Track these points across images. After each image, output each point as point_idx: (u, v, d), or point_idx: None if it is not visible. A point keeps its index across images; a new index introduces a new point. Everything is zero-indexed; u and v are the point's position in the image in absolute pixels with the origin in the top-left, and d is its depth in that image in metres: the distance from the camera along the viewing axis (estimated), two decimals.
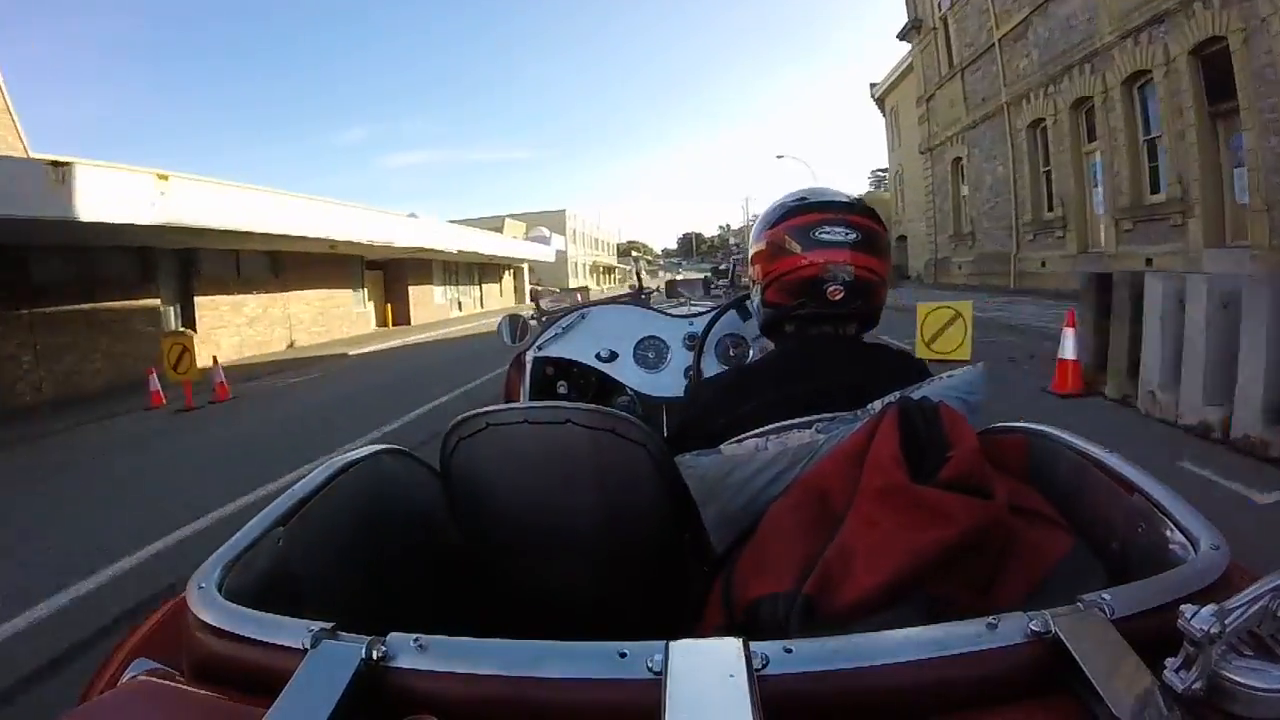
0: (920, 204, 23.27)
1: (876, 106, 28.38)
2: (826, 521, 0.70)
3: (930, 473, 0.67)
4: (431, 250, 20.65)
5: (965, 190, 18.70)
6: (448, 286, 27.05)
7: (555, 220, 46.06)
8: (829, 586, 0.64)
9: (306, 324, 16.94)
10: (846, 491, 0.70)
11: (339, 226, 14.53)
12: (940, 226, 20.94)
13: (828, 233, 0.99)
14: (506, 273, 34.32)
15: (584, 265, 52.40)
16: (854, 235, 0.98)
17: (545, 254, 35.13)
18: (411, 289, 22.83)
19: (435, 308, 24.78)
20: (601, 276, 58.77)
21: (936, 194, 20.95)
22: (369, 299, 20.82)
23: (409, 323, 22.18)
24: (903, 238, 26.61)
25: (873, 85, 28.21)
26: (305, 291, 16.85)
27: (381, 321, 21.75)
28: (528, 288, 36.37)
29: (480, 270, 30.30)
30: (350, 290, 19.22)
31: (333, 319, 18.09)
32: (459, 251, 21.70)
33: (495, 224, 36.20)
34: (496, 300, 32.46)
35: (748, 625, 0.67)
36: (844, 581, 0.63)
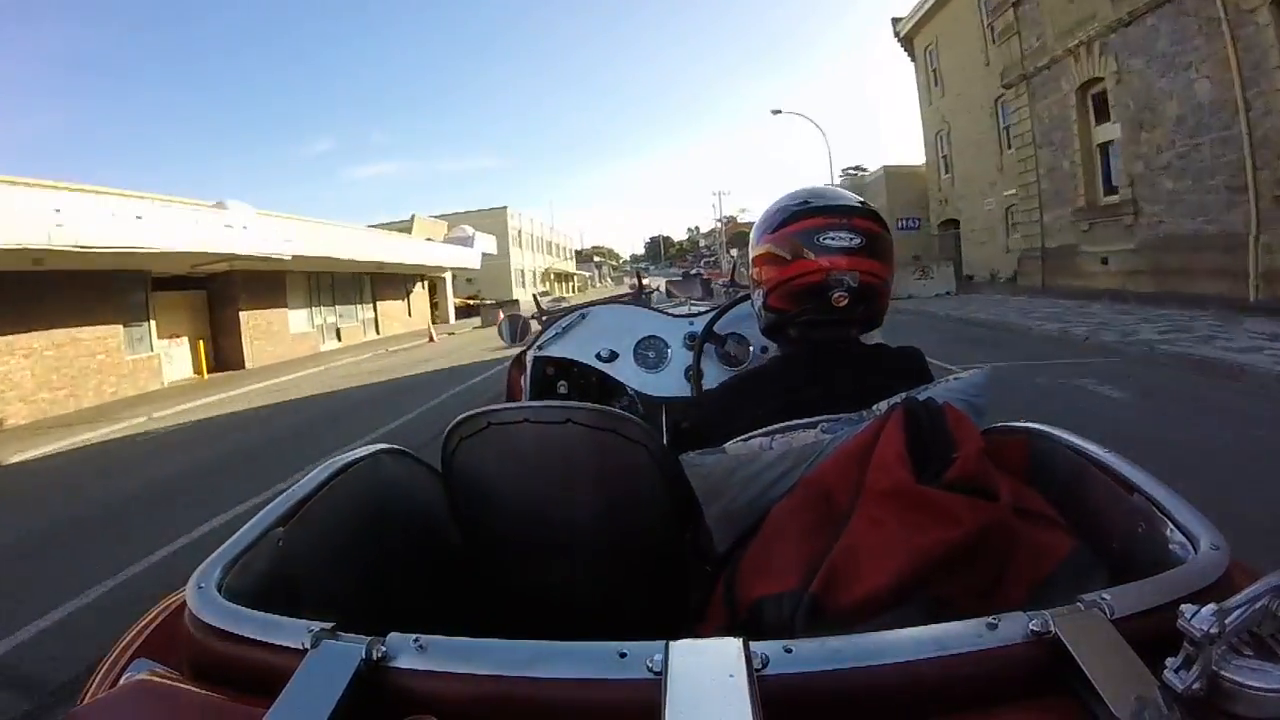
0: (987, 169, 18.77)
1: (903, 49, 24.21)
2: (831, 521, 0.82)
3: (935, 474, 0.80)
4: (265, 258, 16.24)
5: (1116, 132, 13.32)
6: (317, 308, 22.13)
7: (494, 220, 45.62)
8: (835, 586, 0.75)
9: (29, 388, 12.45)
10: (851, 491, 0.83)
11: (38, 227, 9.84)
12: (1051, 197, 15.84)
13: (833, 238, 1.10)
14: (419, 285, 29.85)
15: (534, 272, 53.79)
16: (858, 240, 1.11)
17: (467, 259, 30.78)
18: (246, 315, 18.42)
19: (293, 340, 20.52)
20: (555, 284, 60.94)
21: (1044, 144, 15.91)
22: (160, 335, 15.91)
23: (243, 365, 17.72)
24: (951, 223, 19.99)
25: (896, 21, 24.16)
26: (25, 335, 12.31)
27: (198, 366, 17.13)
28: (450, 303, 29.11)
29: (374, 283, 25.66)
30: (119, 325, 14.61)
31: (84, 374, 13.56)
32: (294, 257, 16.85)
33: (407, 227, 31.86)
34: (401, 323, 27.74)
35: (751, 625, 0.78)
36: (850, 581, 0.74)
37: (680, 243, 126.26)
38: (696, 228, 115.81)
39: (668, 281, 3.73)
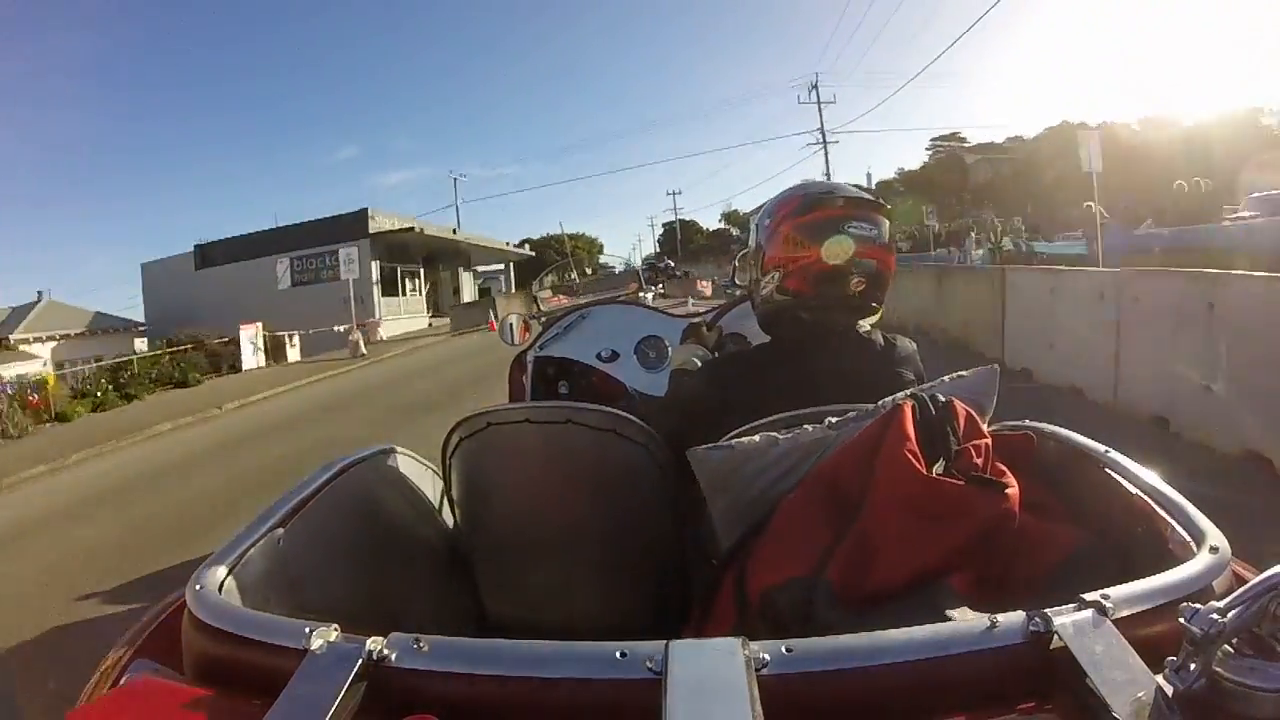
0: None
1: None
2: (842, 512, 0.88)
3: (945, 466, 0.87)
4: None
5: None
6: None
7: None
8: (850, 573, 0.81)
9: None
10: (861, 483, 0.89)
11: None
12: None
13: (856, 227, 1.27)
14: None
15: None
16: (876, 231, 1.28)
17: None
18: None
19: None
20: None
21: None
22: None
23: None
24: None
25: None
26: None
27: None
28: None
29: None
30: None
31: None
32: None
33: None
34: None
35: (764, 613, 0.84)
36: (865, 568, 0.81)
37: (705, 232, 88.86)
38: (735, 210, 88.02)
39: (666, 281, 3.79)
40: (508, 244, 38.09)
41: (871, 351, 1.34)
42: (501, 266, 40.16)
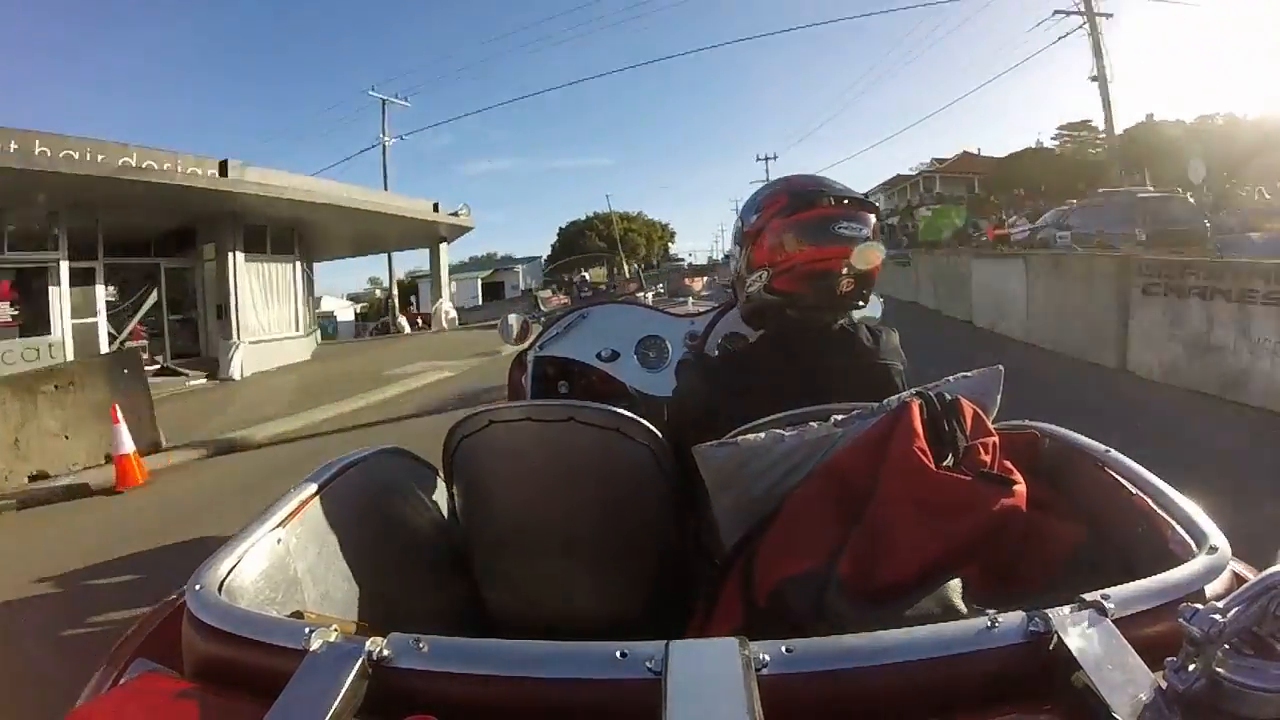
0: None
1: None
2: (850, 507, 0.90)
3: (954, 462, 0.90)
4: None
5: None
6: None
7: None
8: (860, 567, 0.83)
9: None
10: (869, 478, 0.91)
11: None
12: None
13: (845, 228, 1.29)
14: None
15: None
16: (865, 231, 1.30)
17: None
18: None
19: None
20: None
21: None
22: None
23: None
24: None
25: None
26: None
27: None
28: None
29: None
30: None
31: None
32: None
33: None
34: None
35: (773, 610, 0.85)
36: (875, 563, 0.83)
37: None
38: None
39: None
40: (437, 207, 19.04)
41: (859, 346, 1.36)
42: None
